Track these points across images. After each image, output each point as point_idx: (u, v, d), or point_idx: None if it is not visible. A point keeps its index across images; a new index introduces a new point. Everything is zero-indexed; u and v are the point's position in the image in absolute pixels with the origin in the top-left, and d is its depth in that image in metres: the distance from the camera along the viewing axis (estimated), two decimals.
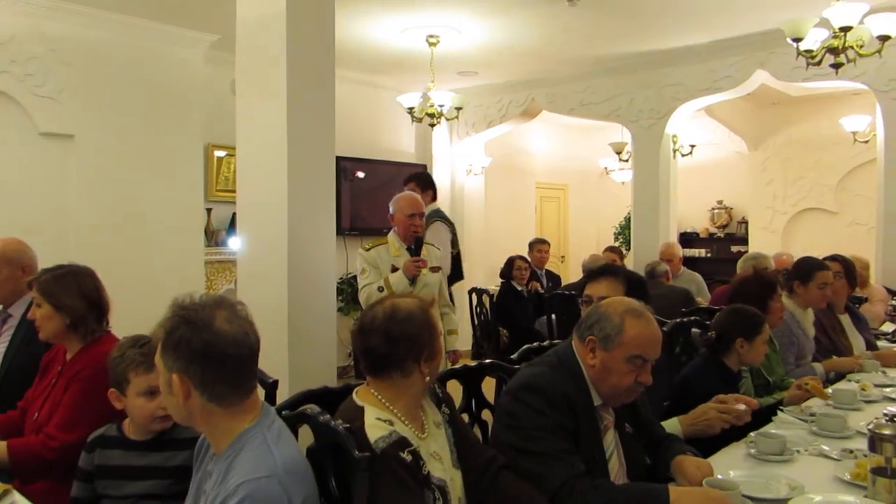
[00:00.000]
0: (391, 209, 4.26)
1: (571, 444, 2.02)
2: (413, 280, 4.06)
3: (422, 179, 5.28)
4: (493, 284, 7.34)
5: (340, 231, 7.53)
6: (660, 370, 2.43)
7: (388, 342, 1.91)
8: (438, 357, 1.99)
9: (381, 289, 4.02)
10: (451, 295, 4.61)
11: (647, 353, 2.10)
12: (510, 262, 6.89)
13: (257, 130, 3.89)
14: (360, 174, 8.25)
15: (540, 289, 6.99)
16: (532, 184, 11.28)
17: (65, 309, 2.57)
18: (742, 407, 2.54)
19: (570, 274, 11.15)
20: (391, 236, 4.25)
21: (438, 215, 5.21)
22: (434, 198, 5.29)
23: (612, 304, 2.18)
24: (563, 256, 11.95)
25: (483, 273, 9.21)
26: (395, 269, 4.10)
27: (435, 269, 4.26)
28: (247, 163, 3.98)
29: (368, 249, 4.17)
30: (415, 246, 4.18)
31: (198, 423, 1.69)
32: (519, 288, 6.77)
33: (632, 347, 2.09)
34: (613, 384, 2.11)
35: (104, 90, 5.84)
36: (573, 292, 6.00)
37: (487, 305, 6.94)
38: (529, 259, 7.32)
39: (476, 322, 7.18)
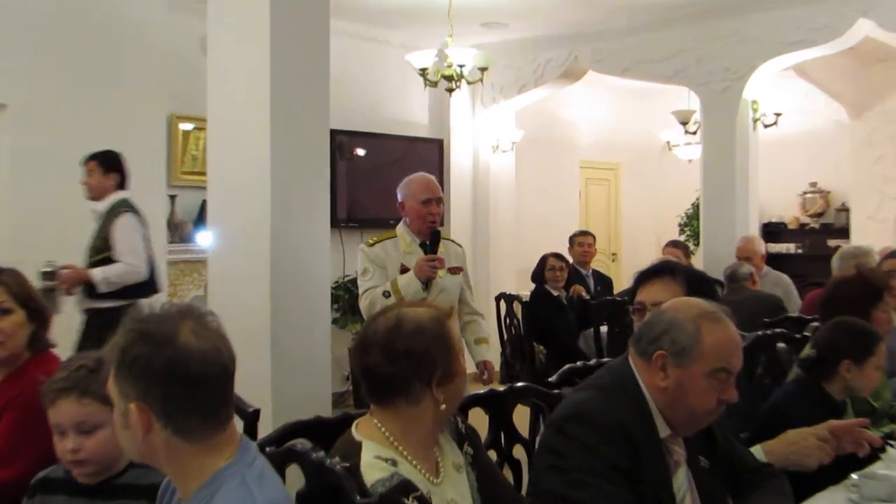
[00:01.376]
0: (400, 195, 4.29)
1: (628, 491, 2.02)
2: (427, 284, 4.10)
3: (103, 159, 5.12)
4: (527, 289, 7.38)
5: (336, 223, 7.54)
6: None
7: (389, 360, 1.93)
8: (458, 381, 2.00)
9: (386, 294, 4.07)
10: None
11: (731, 363, 2.12)
12: (542, 262, 6.90)
13: (233, 98, 3.92)
14: (361, 151, 8.30)
15: (585, 294, 6.98)
16: (575, 163, 11.30)
17: (37, 313, 2.61)
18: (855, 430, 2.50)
19: (623, 275, 11.14)
20: (401, 229, 4.29)
21: (128, 206, 5.03)
22: (122, 185, 5.12)
23: (681, 309, 2.19)
24: (614, 254, 11.96)
25: (514, 275, 9.26)
26: (405, 270, 4.15)
27: (455, 271, 4.30)
28: (220, 138, 4.00)
29: (372, 245, 4.21)
30: (430, 241, 4.22)
31: (161, 462, 1.70)
32: (555, 293, 6.78)
33: (714, 359, 2.10)
34: (692, 407, 2.12)
35: (43, 50, 5.88)
36: (626, 299, 6.00)
37: (519, 316, 6.94)
38: (570, 256, 7.35)
39: (505, 336, 7.20)
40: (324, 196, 3.99)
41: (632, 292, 2.96)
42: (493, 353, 4.73)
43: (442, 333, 1.99)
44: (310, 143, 3.93)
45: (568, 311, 6.81)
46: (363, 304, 4.15)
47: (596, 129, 11.56)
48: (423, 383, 1.94)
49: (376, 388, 1.97)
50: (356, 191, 8.29)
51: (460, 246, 4.50)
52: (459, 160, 9.13)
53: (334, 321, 7.25)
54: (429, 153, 8.81)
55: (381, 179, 8.09)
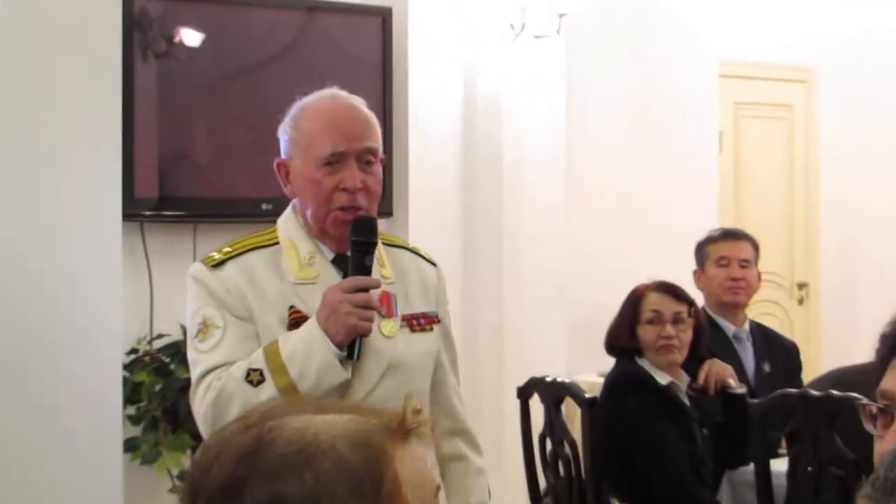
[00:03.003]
0: (285, 141, 4.36)
1: None
2: (353, 348, 4.13)
3: None
4: (593, 370, 7.36)
5: (132, 206, 7.51)
6: None
7: None
8: None
9: (253, 376, 4.11)
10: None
11: None
12: (631, 304, 6.90)
13: None
14: (193, 37, 8.39)
15: (735, 384, 6.98)
16: (710, 70, 11.53)
17: None
18: None
19: (828, 339, 11.25)
20: (287, 224, 4.38)
21: None
22: None
23: None
24: (802, 286, 12.19)
25: (562, 336, 9.42)
26: (296, 321, 4.19)
27: (421, 322, 4.37)
28: None
29: (220, 264, 4.28)
30: (356, 248, 4.24)
31: None
32: (662, 382, 6.76)
33: None
34: None
35: None
36: (833, 395, 5.97)
37: (577, 435, 6.93)
38: (700, 290, 7.49)
39: (542, 482, 7.26)
40: (109, 149, 4.03)
41: (875, 374, 2.99)
42: None
43: (394, 479, 2.01)
44: (72, 20, 3.99)
45: (693, 421, 6.80)
46: (201, 401, 4.17)
47: None
48: None
49: None
50: (182, 135, 8.41)
51: (432, 263, 4.58)
52: (430, 60, 9.27)
53: (130, 447, 7.36)
54: (357, 42, 8.97)
55: (242, 106, 8.23)
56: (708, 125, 11.46)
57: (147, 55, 8.10)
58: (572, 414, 7.01)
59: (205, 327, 4.19)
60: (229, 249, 4.27)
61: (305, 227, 4.30)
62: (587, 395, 6.87)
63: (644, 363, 6.77)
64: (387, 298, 4.23)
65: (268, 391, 4.01)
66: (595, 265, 9.67)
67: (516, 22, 9.34)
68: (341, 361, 4.08)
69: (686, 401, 6.78)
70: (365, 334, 4.12)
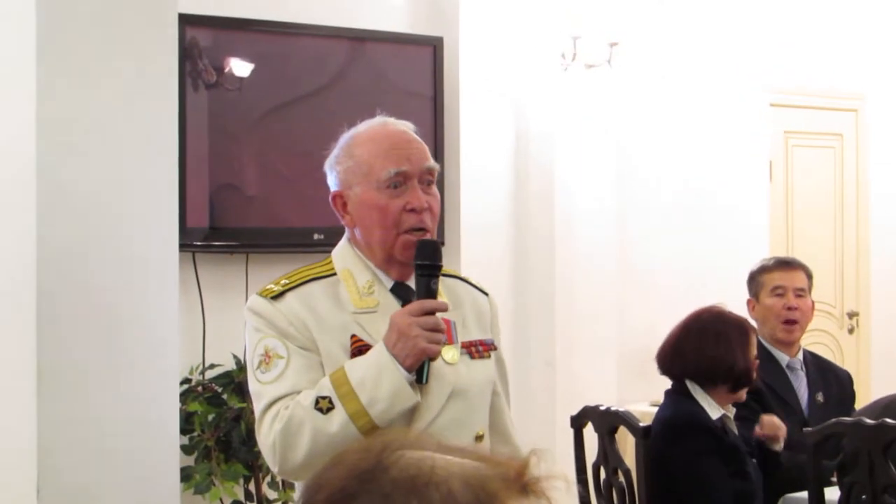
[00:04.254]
0: (333, 173, 4.38)
1: None
2: (421, 372, 4.12)
3: None
4: (645, 400, 7.32)
5: (183, 237, 7.46)
6: None
7: None
8: None
9: (322, 404, 4.07)
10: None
11: None
12: (694, 335, 6.82)
13: None
14: (243, 67, 8.42)
15: (777, 443, 6.93)
16: (760, 99, 11.48)
17: None
18: None
19: (873, 364, 11.16)
20: (343, 254, 4.37)
21: None
22: None
23: None
24: (853, 315, 12.10)
25: (614, 363, 9.37)
26: (358, 349, 4.18)
27: (480, 349, 4.36)
28: None
29: (280, 296, 4.27)
30: (421, 272, 4.23)
31: None
32: (714, 415, 6.71)
33: None
34: None
35: None
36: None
37: (631, 464, 6.91)
38: (754, 320, 7.37)
39: None
40: (165, 185, 4.08)
41: None
42: None
43: None
44: (131, 47, 4.05)
45: (746, 455, 6.71)
46: (268, 431, 4.13)
47: (802, 23, 11.67)
48: None
49: None
50: (233, 165, 8.42)
51: (484, 292, 4.58)
52: (481, 89, 9.25)
53: (183, 477, 7.26)
54: (407, 72, 8.97)
55: (292, 136, 8.24)
56: (758, 154, 11.46)
57: (198, 85, 8.13)
58: (625, 442, 6.99)
59: (267, 358, 4.16)
60: (287, 281, 4.26)
61: (363, 256, 4.28)
62: (641, 424, 6.89)
63: (698, 395, 6.70)
64: (447, 326, 4.19)
65: (339, 418, 3.98)
66: (647, 295, 9.67)
67: (567, 51, 9.36)
68: (411, 385, 4.06)
69: (736, 431, 6.74)
70: (434, 357, 4.11)
